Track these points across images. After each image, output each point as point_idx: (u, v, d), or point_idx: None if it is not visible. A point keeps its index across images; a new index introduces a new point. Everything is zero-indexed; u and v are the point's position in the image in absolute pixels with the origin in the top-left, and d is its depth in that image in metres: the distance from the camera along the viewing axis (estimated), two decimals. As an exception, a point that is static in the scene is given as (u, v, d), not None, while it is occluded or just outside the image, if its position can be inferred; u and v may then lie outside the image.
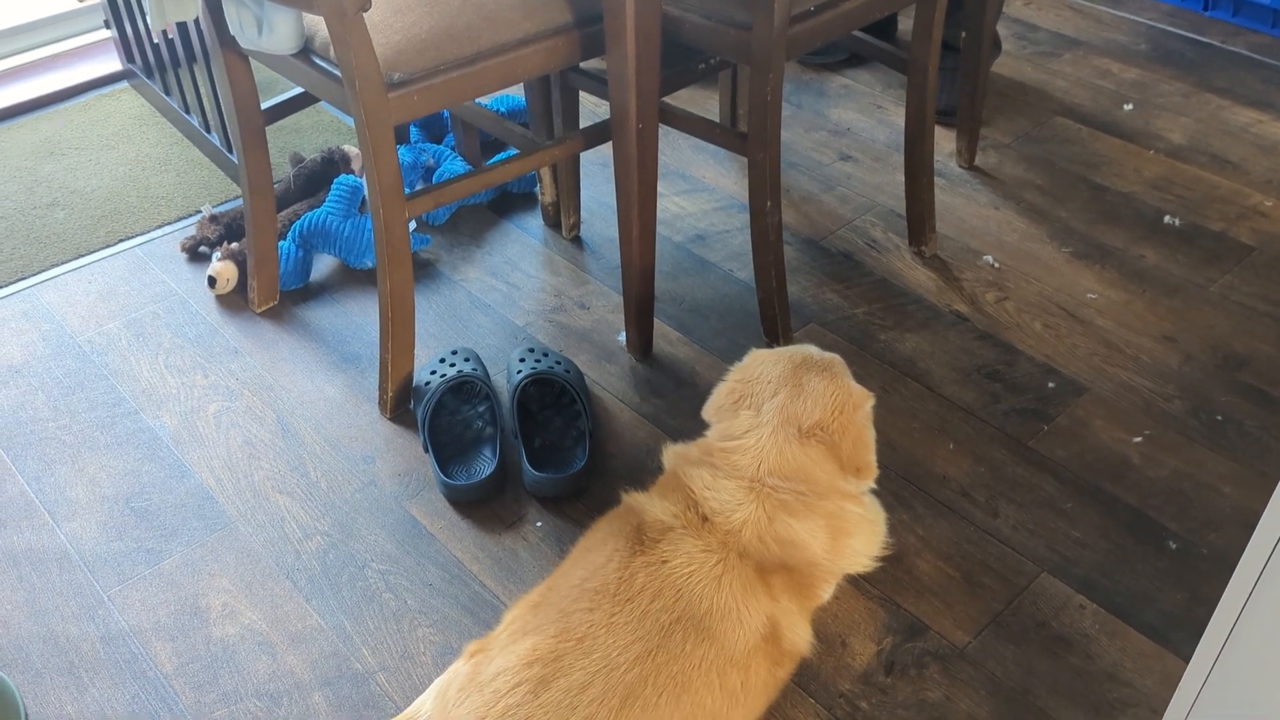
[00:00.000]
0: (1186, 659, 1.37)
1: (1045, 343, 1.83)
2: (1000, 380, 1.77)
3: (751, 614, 1.22)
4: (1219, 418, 1.69)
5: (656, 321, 1.88)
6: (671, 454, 1.39)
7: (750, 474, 1.30)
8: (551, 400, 1.71)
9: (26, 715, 1.33)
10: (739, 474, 1.30)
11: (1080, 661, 1.38)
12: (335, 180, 2.05)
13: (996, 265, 2.00)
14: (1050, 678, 1.36)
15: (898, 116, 2.40)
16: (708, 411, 1.41)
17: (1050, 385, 1.75)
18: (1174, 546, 1.51)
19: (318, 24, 1.56)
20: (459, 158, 2.19)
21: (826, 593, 1.36)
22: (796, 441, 1.31)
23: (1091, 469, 1.62)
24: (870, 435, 1.39)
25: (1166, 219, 2.09)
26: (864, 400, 1.38)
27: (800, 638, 1.27)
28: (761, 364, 1.39)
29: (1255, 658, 1.07)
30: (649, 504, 1.31)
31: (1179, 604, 1.44)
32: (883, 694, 1.35)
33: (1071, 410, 1.71)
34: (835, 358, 1.41)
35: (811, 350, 1.41)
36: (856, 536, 1.35)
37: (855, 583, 1.46)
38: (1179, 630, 1.41)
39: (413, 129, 2.29)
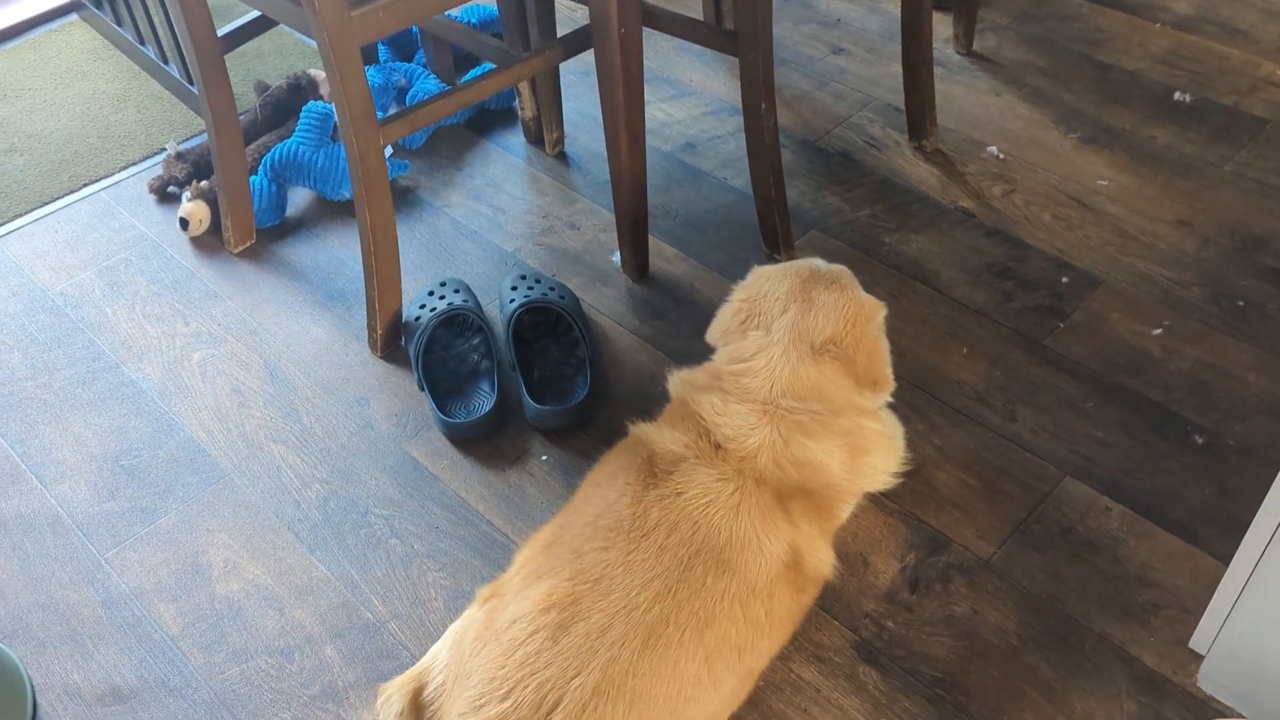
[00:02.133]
0: (1218, 556, 1.33)
1: (1056, 235, 1.76)
2: (1012, 278, 1.70)
3: (772, 542, 1.17)
4: (1240, 303, 1.63)
5: (651, 238, 1.81)
6: (678, 380, 1.33)
7: (763, 396, 1.24)
8: (548, 329, 1.64)
9: (33, 688, 1.30)
10: (751, 397, 1.25)
11: (1108, 565, 1.34)
12: (304, 108, 1.94)
13: (1001, 156, 1.91)
14: (1078, 584, 1.33)
15: (889, 4, 2.28)
16: (713, 334, 1.35)
17: (1064, 280, 1.69)
18: (1200, 440, 1.46)
19: (269, -60, 1.45)
20: (432, 76, 2.08)
21: (846, 512, 1.32)
22: (809, 359, 1.26)
23: (1111, 365, 1.56)
24: (884, 347, 1.34)
25: (1176, 95, 2.00)
26: (876, 311, 1.34)
27: (822, 561, 1.23)
28: (767, 281, 1.33)
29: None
30: (658, 434, 1.25)
31: (1208, 500, 1.40)
32: (908, 611, 1.32)
33: (1087, 305, 1.65)
34: (843, 269, 1.37)
35: (818, 263, 1.36)
36: (876, 453, 1.30)
37: (874, 499, 1.42)
38: (1209, 527, 1.37)
39: (381, 48, 2.17)
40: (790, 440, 1.23)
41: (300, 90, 2.05)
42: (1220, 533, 1.36)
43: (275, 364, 1.67)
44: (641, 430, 1.27)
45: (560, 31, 1.88)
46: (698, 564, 1.13)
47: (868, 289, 1.69)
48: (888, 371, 1.33)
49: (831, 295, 1.30)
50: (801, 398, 1.24)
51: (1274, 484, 1.05)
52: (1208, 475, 1.42)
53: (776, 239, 1.74)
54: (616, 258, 1.78)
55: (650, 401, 1.52)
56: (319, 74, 2.08)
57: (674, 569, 1.12)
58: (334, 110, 2.00)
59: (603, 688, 1.04)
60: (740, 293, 1.35)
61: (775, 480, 1.21)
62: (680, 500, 1.17)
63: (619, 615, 1.09)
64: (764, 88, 1.60)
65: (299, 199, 1.96)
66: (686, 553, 1.14)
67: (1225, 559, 1.32)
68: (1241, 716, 1.18)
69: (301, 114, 1.93)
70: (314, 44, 2.30)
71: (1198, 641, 1.24)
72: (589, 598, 1.10)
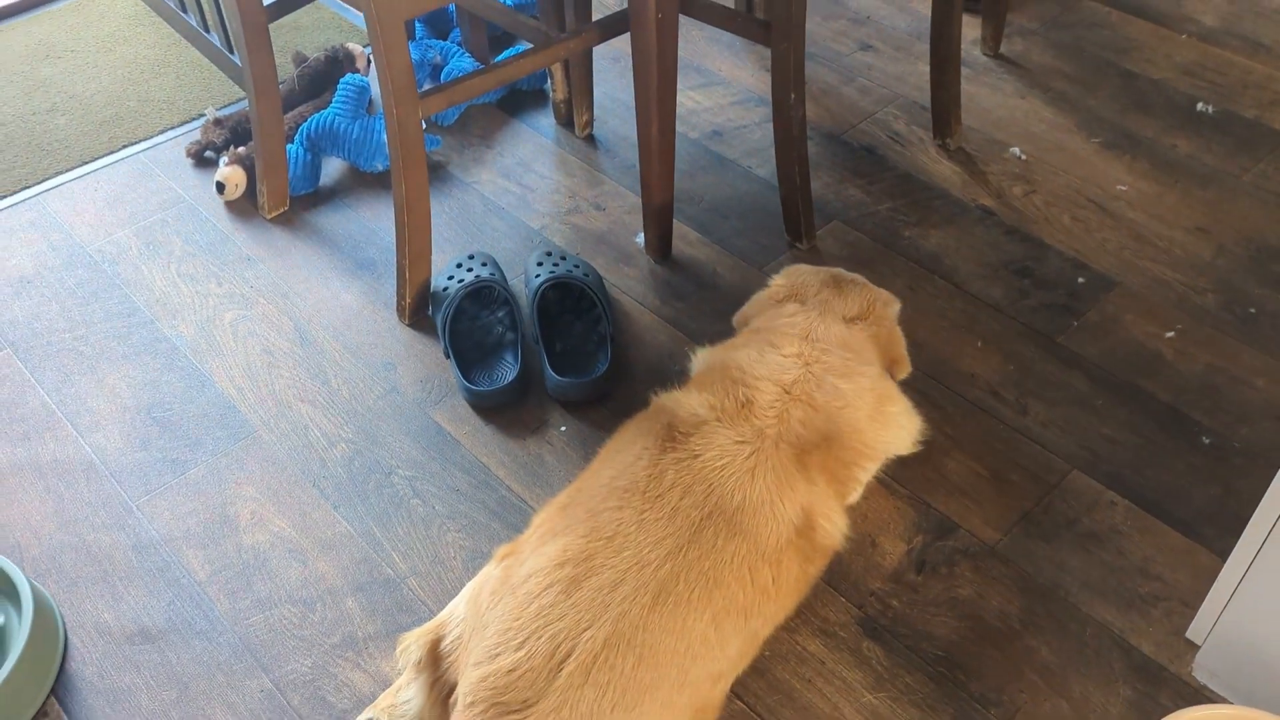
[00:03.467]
0: (1219, 554, 1.37)
1: (1074, 236, 1.79)
2: (1029, 276, 1.73)
3: (785, 506, 1.21)
4: (1252, 310, 1.66)
5: (675, 222, 1.84)
6: (705, 352, 1.40)
7: (798, 345, 1.33)
8: (571, 304, 1.68)
9: (64, 625, 1.34)
10: (788, 340, 1.33)
11: (1111, 557, 1.38)
12: (341, 80, 1.99)
13: (1024, 157, 1.94)
14: (1081, 573, 1.36)
15: (919, 4, 2.31)
16: (743, 314, 1.46)
17: (1080, 280, 1.72)
18: (1207, 442, 1.49)
19: (320, -88, 1.49)
20: (467, 54, 2.12)
21: (865, 476, 1.35)
22: (841, 323, 1.37)
23: (1122, 365, 1.59)
24: (900, 335, 1.43)
25: (1199, 106, 2.02)
26: (893, 301, 1.46)
27: (835, 528, 1.26)
28: (801, 274, 1.46)
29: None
30: (682, 399, 1.30)
31: (1211, 499, 1.43)
32: (913, 592, 1.35)
33: (1102, 305, 1.68)
34: (859, 276, 1.50)
35: (841, 270, 1.50)
36: (899, 404, 1.36)
37: (884, 482, 1.46)
38: (1211, 525, 1.40)
39: (418, 25, 2.21)
40: (822, 379, 1.30)
41: (338, 63, 2.10)
42: (1222, 531, 1.39)
43: (305, 327, 1.71)
44: (663, 399, 1.32)
45: (594, 16, 1.92)
46: (709, 526, 1.17)
47: (886, 279, 1.74)
48: (905, 354, 1.42)
49: (855, 287, 1.43)
50: (834, 346, 1.34)
51: (1273, 482, 1.09)
52: (1213, 476, 1.46)
53: (799, 228, 1.78)
54: (640, 239, 1.82)
55: (668, 380, 1.56)
56: (357, 48, 2.12)
57: (686, 530, 1.16)
58: (370, 84, 2.04)
59: (613, 640, 1.08)
60: (779, 278, 1.47)
61: (801, 430, 1.26)
62: (696, 463, 1.21)
63: (631, 571, 1.12)
64: (794, 79, 1.64)
65: (333, 169, 2.00)
66: (699, 515, 1.17)
67: (1225, 556, 1.34)
68: (1229, 704, 1.21)
69: (339, 86, 1.98)
70: (353, 18, 2.34)
71: (1194, 632, 1.27)
72: (602, 554, 1.14)
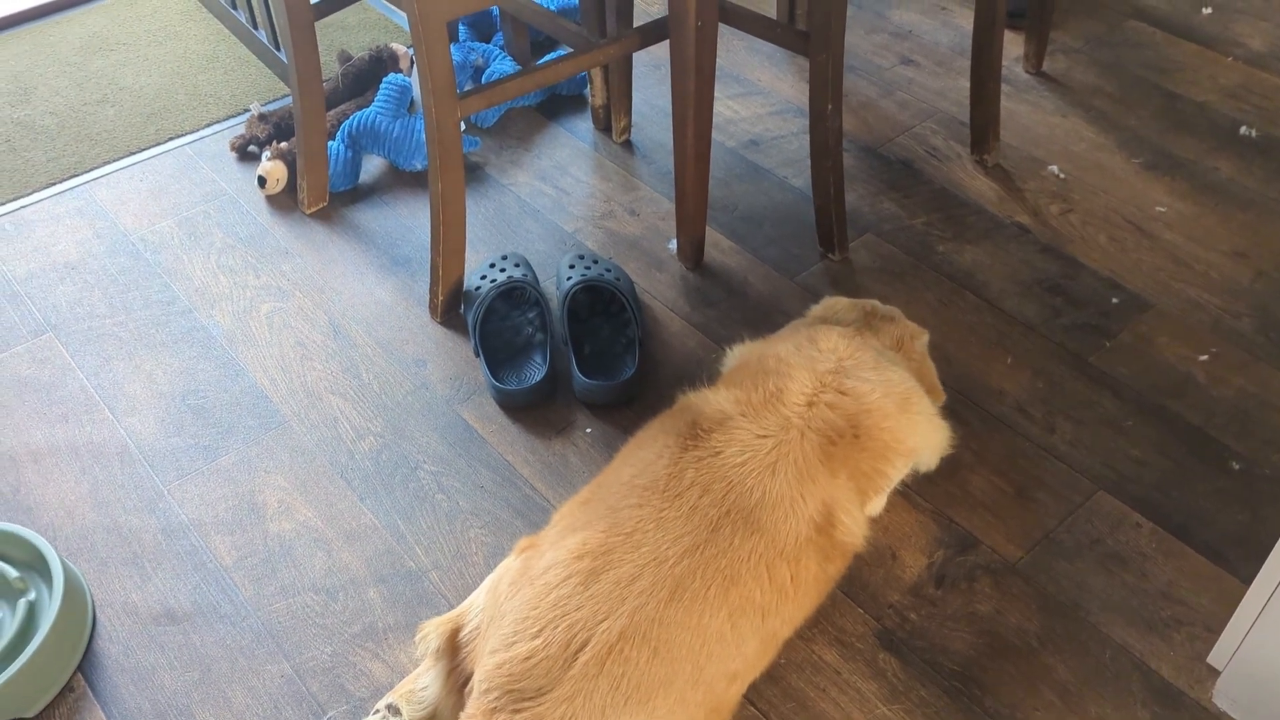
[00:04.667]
0: (1244, 579, 1.35)
1: (1110, 256, 1.78)
2: (1062, 294, 1.72)
3: (805, 502, 1.22)
4: (1289, 337, 1.64)
5: (708, 229, 1.85)
6: (741, 347, 1.43)
7: (838, 335, 1.37)
8: (601, 307, 1.69)
9: (94, 603, 1.37)
10: (827, 336, 1.37)
11: (1134, 579, 1.36)
12: (384, 80, 2.02)
13: (1062, 175, 1.93)
14: (1103, 594, 1.35)
15: (961, 19, 2.31)
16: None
17: (1114, 300, 1.71)
18: (1236, 467, 1.48)
19: (368, -86, 1.51)
20: (508, 57, 2.14)
21: (893, 472, 1.34)
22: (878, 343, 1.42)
23: (1153, 386, 1.58)
24: (932, 366, 1.47)
25: (1243, 130, 2.00)
26: (921, 333, 1.49)
27: (855, 526, 1.26)
28: (837, 305, 1.50)
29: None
30: (709, 396, 1.32)
31: (1239, 525, 1.41)
32: (932, 606, 1.35)
33: (1135, 326, 1.67)
34: (895, 309, 1.53)
35: (877, 303, 1.53)
36: (928, 405, 1.37)
37: (907, 495, 1.45)
38: (1237, 551, 1.39)
39: (461, 27, 2.24)
40: (856, 370, 1.32)
41: (381, 62, 2.13)
42: (1248, 557, 1.37)
43: (339, 321, 1.74)
44: (689, 397, 1.33)
45: (635, 22, 1.93)
46: (726, 524, 1.18)
47: (918, 293, 1.74)
48: (938, 384, 1.46)
49: (887, 321, 1.47)
50: (870, 347, 1.38)
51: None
52: (1241, 501, 1.44)
53: (832, 239, 1.78)
54: (673, 245, 1.83)
55: (694, 385, 1.56)
56: (400, 48, 2.15)
57: (704, 528, 1.17)
58: (412, 83, 2.07)
59: (629, 633, 1.09)
60: (813, 309, 1.53)
61: (830, 416, 1.27)
62: (716, 460, 1.22)
63: (648, 567, 1.13)
64: (832, 90, 1.64)
65: (372, 166, 2.03)
66: (717, 513, 1.18)
67: (1251, 581, 1.33)
68: (1253, 734, 1.20)
69: (381, 85, 2.00)
70: (398, 19, 2.37)
71: (1216, 658, 1.26)
72: (621, 549, 1.15)
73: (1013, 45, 2.18)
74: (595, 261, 1.74)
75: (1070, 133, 2.02)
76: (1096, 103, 2.09)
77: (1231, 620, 1.21)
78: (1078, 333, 1.66)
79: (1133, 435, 1.52)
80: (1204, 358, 1.62)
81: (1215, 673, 1.26)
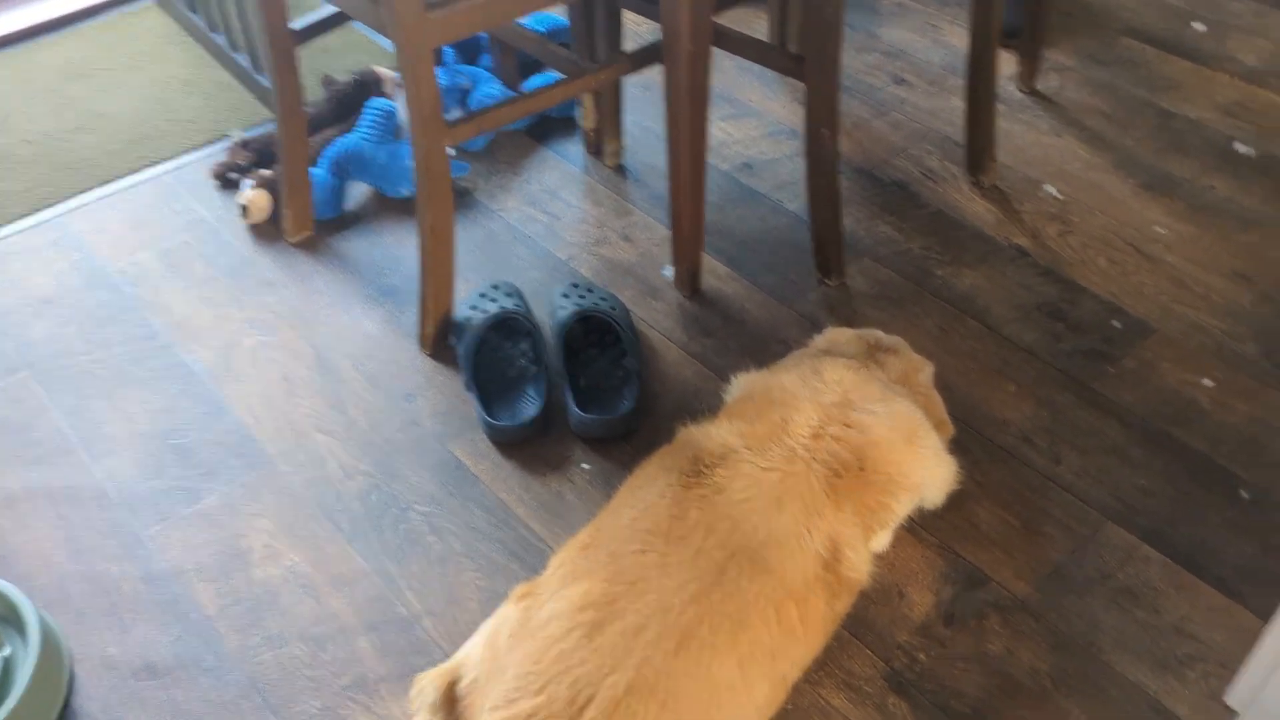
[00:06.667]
0: (1258, 613, 1.32)
1: (1110, 279, 1.75)
2: (1063, 319, 1.69)
3: (812, 537, 1.19)
4: (1294, 361, 1.62)
5: (704, 255, 1.81)
6: (745, 377, 1.41)
7: (844, 367, 1.35)
8: (597, 338, 1.65)
9: (71, 657, 1.32)
10: (832, 367, 1.34)
11: (1146, 615, 1.33)
12: (367, 104, 1.97)
13: (1059, 196, 1.91)
14: (1115, 631, 1.32)
15: (954, 37, 2.29)
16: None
17: (1116, 325, 1.68)
18: (1245, 496, 1.45)
19: (352, -61, 1.47)
20: (496, 80, 2.10)
21: (899, 507, 1.31)
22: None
23: (1159, 414, 1.55)
24: (938, 398, 1.44)
25: (1240, 148, 1.98)
26: (925, 365, 1.47)
27: (860, 561, 1.24)
28: (842, 334, 1.48)
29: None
30: (711, 430, 1.29)
31: (1250, 556, 1.38)
32: (941, 645, 1.31)
33: (1138, 351, 1.64)
34: (900, 339, 1.50)
35: (881, 334, 1.50)
36: (934, 438, 1.35)
37: (913, 530, 1.42)
38: (1250, 583, 1.35)
39: (447, 50, 2.20)
40: (862, 403, 1.30)
41: (365, 87, 2.08)
42: (1262, 589, 1.34)
43: (325, 355, 1.69)
44: (689, 432, 1.30)
45: (624, 45, 1.90)
46: (733, 566, 1.15)
47: (917, 319, 1.71)
48: (946, 418, 1.43)
49: (894, 354, 1.44)
50: (875, 380, 1.36)
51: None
52: (1252, 531, 1.41)
53: (829, 265, 1.74)
54: (668, 272, 1.79)
55: (693, 416, 1.52)
56: (384, 71, 2.11)
57: (710, 571, 1.14)
58: (397, 108, 2.03)
59: (636, 687, 1.05)
60: (816, 339, 1.50)
61: (836, 448, 1.25)
62: (720, 499, 1.19)
63: (654, 616, 1.10)
64: (828, 113, 1.61)
65: (358, 194, 1.98)
66: (723, 555, 1.15)
67: (1265, 615, 1.30)
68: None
69: (365, 110, 1.96)
70: (383, 43, 2.33)
71: (1233, 698, 1.22)
72: (625, 598, 1.11)
73: (1006, 64, 2.15)
74: (590, 290, 1.70)
75: (1066, 152, 2.00)
76: (1091, 122, 2.06)
77: (1250, 660, 1.17)
78: (1080, 359, 1.63)
79: (1139, 464, 1.49)
80: (1209, 383, 1.59)
81: (1232, 713, 1.22)
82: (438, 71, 2.09)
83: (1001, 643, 1.31)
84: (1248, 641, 1.28)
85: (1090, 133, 2.04)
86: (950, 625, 1.33)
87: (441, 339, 1.68)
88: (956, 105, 2.06)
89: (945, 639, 1.32)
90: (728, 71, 2.22)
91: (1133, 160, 1.98)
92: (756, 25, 2.30)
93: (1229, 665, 1.27)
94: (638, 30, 2.33)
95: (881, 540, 1.36)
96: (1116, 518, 1.43)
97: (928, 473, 1.33)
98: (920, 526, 1.42)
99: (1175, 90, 2.13)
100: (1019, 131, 2.05)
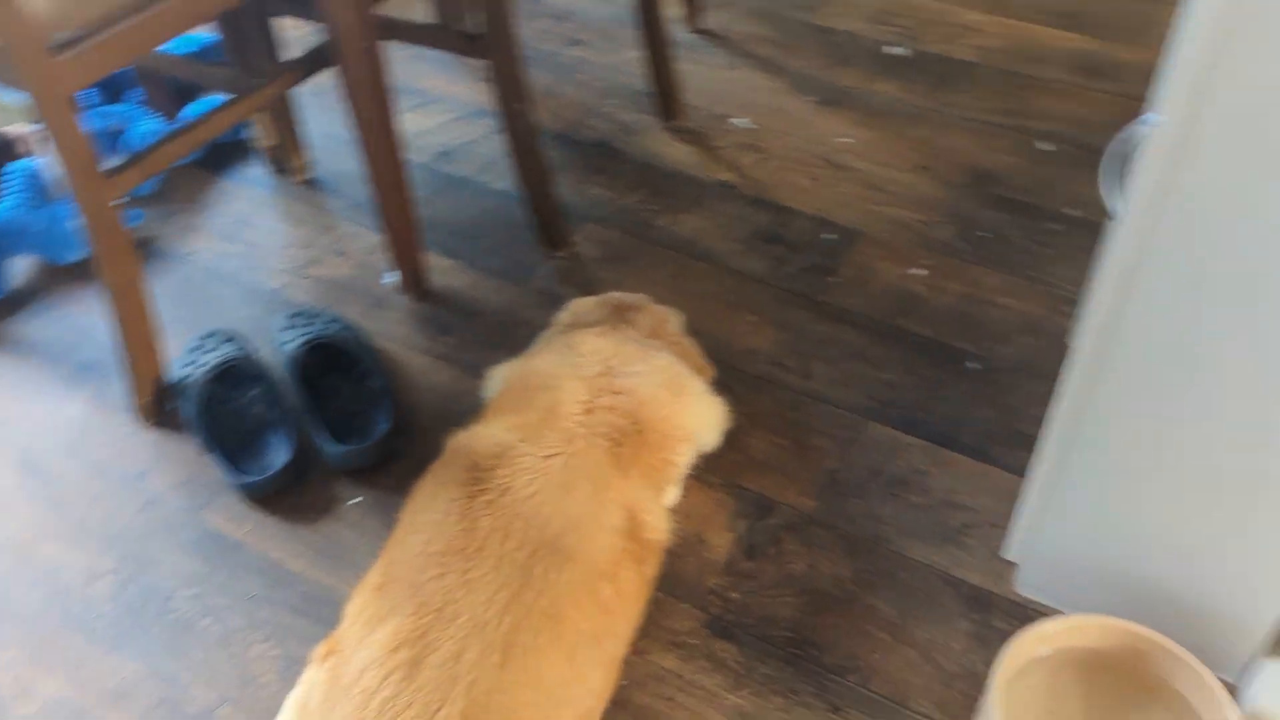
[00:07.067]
0: (1010, 470, 1.44)
1: (813, 196, 1.84)
2: (781, 241, 1.76)
3: (607, 511, 1.18)
4: (985, 234, 1.76)
5: (424, 253, 1.75)
6: (502, 368, 1.37)
7: (597, 335, 1.34)
8: (333, 365, 1.56)
9: None
10: (586, 339, 1.33)
11: (919, 497, 1.42)
12: (6, 169, 1.75)
13: (749, 126, 1.98)
14: (896, 520, 1.40)
15: (615, -10, 2.31)
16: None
17: (828, 237, 1.77)
18: (972, 366, 1.57)
19: (-59, -15, 1.28)
20: (151, 115, 1.92)
21: (681, 459, 1.33)
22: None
23: (885, 310, 1.65)
24: (690, 342, 1.46)
25: (895, 50, 2.13)
26: (671, 314, 1.48)
27: (658, 522, 1.25)
28: (584, 304, 1.47)
29: (1088, 465, 1.12)
30: (480, 432, 1.25)
31: (991, 420, 1.50)
32: (749, 579, 1.34)
33: (853, 257, 1.74)
34: (641, 295, 1.51)
35: (623, 295, 1.50)
36: (699, 385, 1.37)
37: (698, 476, 1.44)
38: (997, 444, 1.47)
39: (89, 91, 1.99)
40: (623, 367, 1.30)
41: (3, 150, 1.84)
42: (1008, 448, 1.47)
43: (30, 455, 1.50)
44: (458, 439, 1.25)
45: (284, 53, 1.78)
46: (537, 564, 1.12)
47: (648, 271, 1.73)
48: (702, 361, 1.45)
49: (639, 311, 1.44)
50: (630, 341, 1.36)
51: (1054, 397, 1.14)
52: (986, 397, 1.53)
53: (553, 236, 1.73)
54: (389, 278, 1.71)
55: (456, 420, 1.47)
56: (22, 128, 1.88)
57: (516, 575, 1.10)
58: (43, 166, 1.81)
59: (471, 713, 1.00)
60: (560, 315, 1.47)
61: (611, 418, 1.24)
62: (507, 499, 1.15)
63: (471, 636, 1.05)
64: (516, 86, 1.58)
65: (22, 269, 1.76)
66: (524, 555, 1.12)
67: (1018, 470, 1.42)
68: (1060, 613, 1.28)
69: (5, 176, 1.74)
70: (10, 97, 2.07)
71: (1010, 552, 1.33)
72: (436, 627, 1.06)
73: (670, 7, 2.20)
74: (314, 316, 1.59)
75: (745, 83, 2.07)
76: (761, 50, 2.15)
77: (1016, 513, 1.28)
78: (805, 276, 1.71)
79: (880, 361, 1.58)
80: (921, 272, 1.71)
81: (1012, 565, 1.33)
82: (84, 117, 1.88)
83: (802, 561, 1.36)
84: (1008, 497, 1.39)
85: (762, 61, 2.13)
86: (753, 558, 1.36)
87: (160, 405, 1.53)
88: (634, 56, 2.09)
89: (751, 572, 1.35)
90: (401, 62, 2.14)
91: (806, 79, 2.08)
92: (416, 10, 2.23)
93: (999, 523, 1.38)
94: (296, 35, 2.19)
95: (672, 495, 1.37)
96: (873, 415, 1.52)
97: (700, 419, 1.35)
98: (704, 470, 1.44)
99: (826, 7, 2.25)
100: (698, 71, 2.10)
